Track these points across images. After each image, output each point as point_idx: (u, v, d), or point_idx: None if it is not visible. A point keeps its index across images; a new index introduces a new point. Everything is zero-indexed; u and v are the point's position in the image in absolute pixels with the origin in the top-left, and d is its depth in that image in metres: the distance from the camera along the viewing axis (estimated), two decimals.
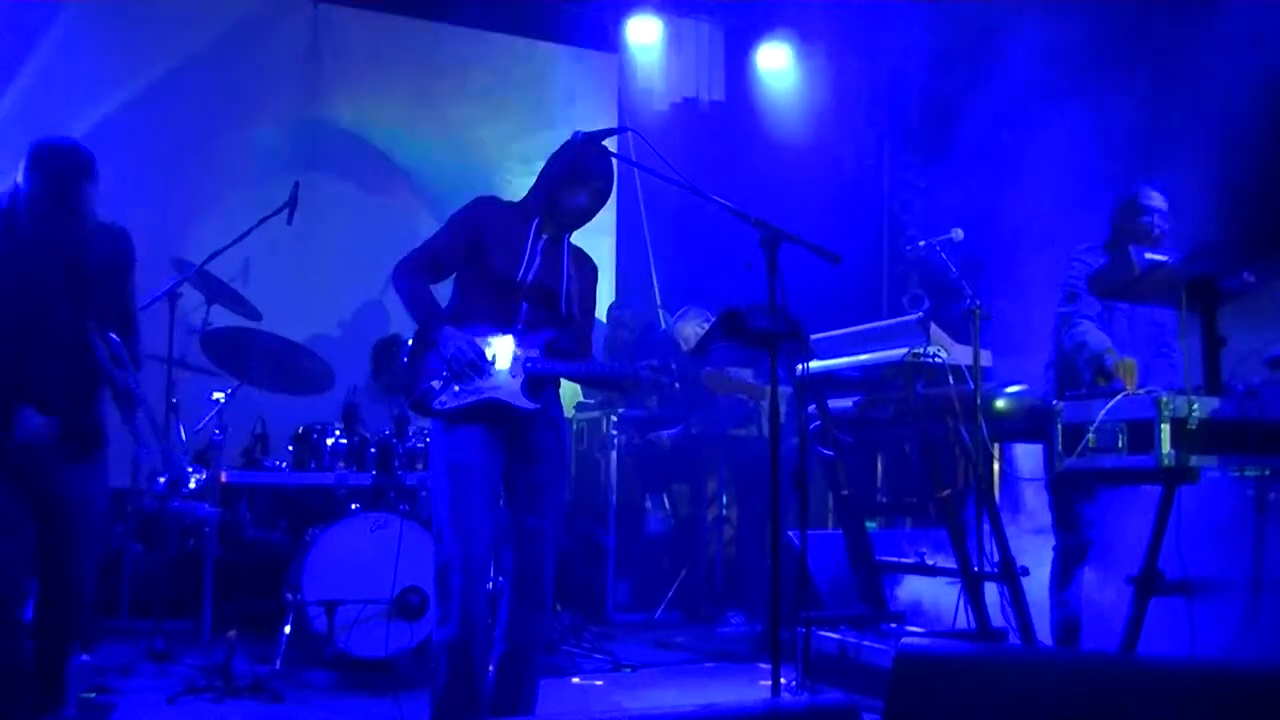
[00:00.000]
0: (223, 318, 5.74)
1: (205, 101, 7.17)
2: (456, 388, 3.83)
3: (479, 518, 3.79)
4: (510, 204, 4.08)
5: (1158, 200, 4.69)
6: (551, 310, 3.97)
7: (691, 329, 6.77)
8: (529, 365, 3.87)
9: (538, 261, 3.94)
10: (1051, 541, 4.77)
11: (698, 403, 7.13)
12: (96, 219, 3.74)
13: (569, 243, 4.05)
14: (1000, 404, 4.59)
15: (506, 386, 3.85)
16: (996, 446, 4.83)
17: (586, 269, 4.13)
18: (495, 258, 3.91)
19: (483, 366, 3.83)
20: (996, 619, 4.56)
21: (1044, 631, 4.66)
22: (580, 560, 7.06)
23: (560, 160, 3.95)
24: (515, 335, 3.90)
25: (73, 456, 3.67)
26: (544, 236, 3.97)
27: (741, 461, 7.08)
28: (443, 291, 4.03)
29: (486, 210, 4.04)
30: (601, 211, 4.06)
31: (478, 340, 3.85)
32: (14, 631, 3.62)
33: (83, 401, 3.70)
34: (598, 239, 8.24)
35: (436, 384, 3.83)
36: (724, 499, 7.33)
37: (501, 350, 3.88)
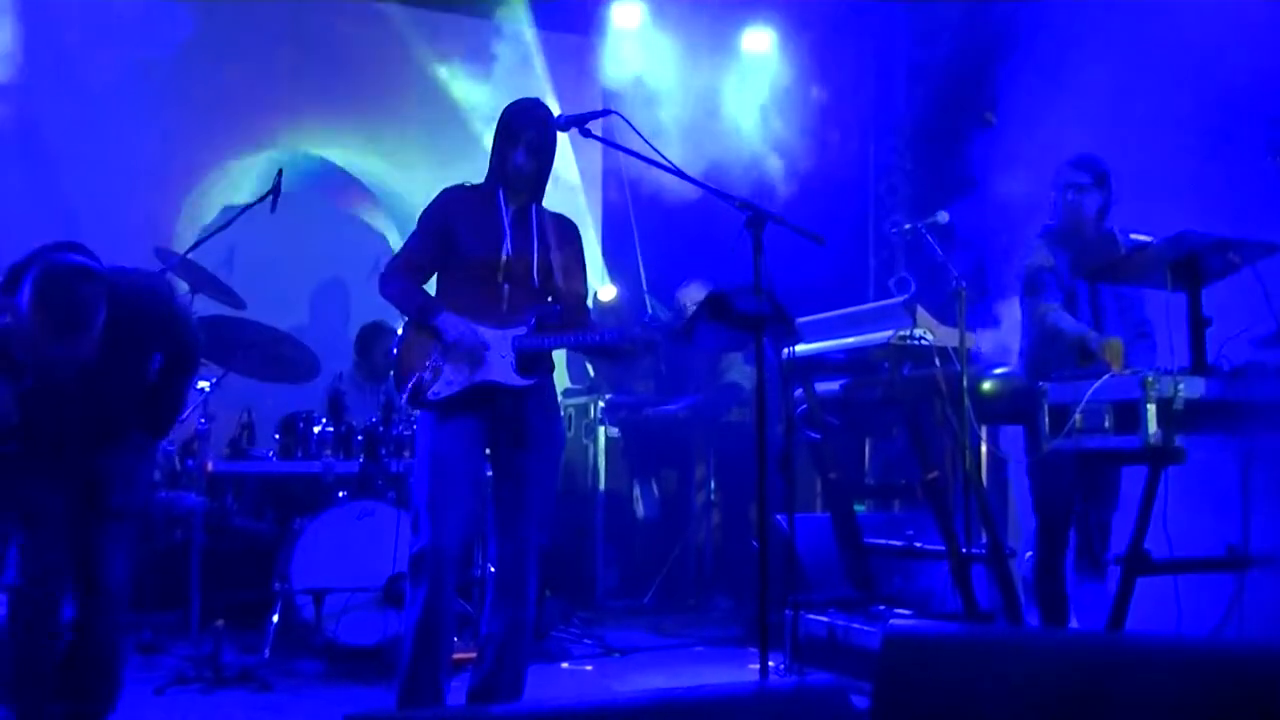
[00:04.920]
0: (207, 307, 5.71)
1: (188, 90, 7.13)
2: (448, 376, 3.81)
3: (455, 509, 3.80)
4: (474, 186, 4.06)
5: (1080, 176, 4.67)
6: (540, 285, 3.96)
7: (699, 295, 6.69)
8: (517, 341, 3.85)
9: (512, 235, 3.93)
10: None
11: (699, 385, 7.12)
12: (125, 282, 3.51)
13: (539, 210, 4.04)
14: (987, 386, 4.60)
15: (497, 366, 3.83)
16: (984, 428, 4.83)
17: (566, 232, 4.09)
18: (468, 243, 3.92)
19: (483, 355, 3.82)
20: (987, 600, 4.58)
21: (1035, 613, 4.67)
22: (569, 546, 7.06)
23: (496, 126, 3.99)
24: (501, 317, 3.88)
25: (102, 439, 3.57)
26: (512, 207, 3.97)
27: (726, 445, 7.08)
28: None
29: (451, 199, 4.03)
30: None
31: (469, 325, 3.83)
32: (52, 627, 3.54)
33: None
34: (581, 223, 8.25)
35: (428, 375, 3.82)
36: (712, 484, 7.33)
37: (491, 334, 3.86)
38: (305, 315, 7.46)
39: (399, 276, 3.99)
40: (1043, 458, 4.26)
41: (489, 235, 3.92)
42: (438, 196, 4.07)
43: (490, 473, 4.02)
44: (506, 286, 3.90)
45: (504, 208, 3.97)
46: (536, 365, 3.91)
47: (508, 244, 3.91)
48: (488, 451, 3.97)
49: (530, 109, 4.00)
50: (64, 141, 6.49)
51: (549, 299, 3.99)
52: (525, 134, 3.93)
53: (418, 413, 4.03)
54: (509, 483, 3.91)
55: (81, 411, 3.51)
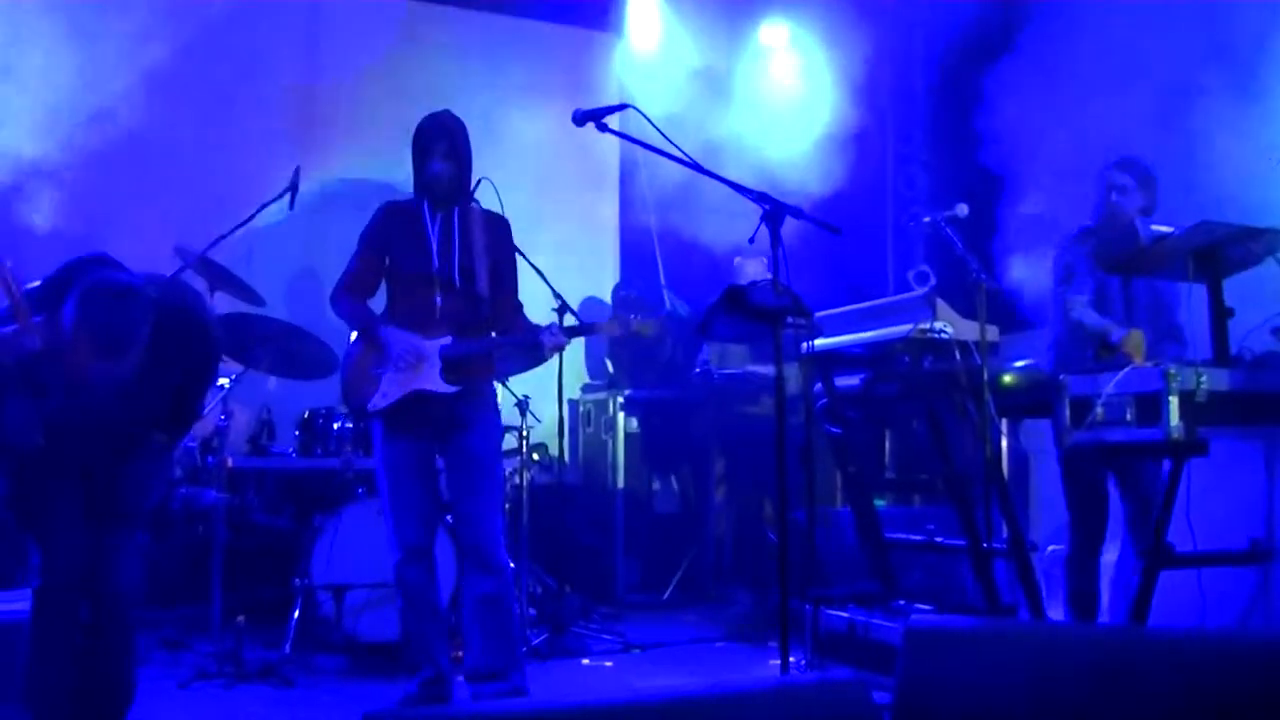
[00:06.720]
0: (226, 304, 5.73)
1: (206, 87, 7.13)
2: (385, 388, 4.22)
3: (412, 506, 4.28)
4: (407, 200, 4.40)
5: (1123, 179, 4.64)
6: (464, 289, 4.25)
7: (754, 266, 6.65)
8: (442, 350, 4.21)
9: (438, 245, 4.25)
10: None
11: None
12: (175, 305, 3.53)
13: (462, 213, 4.31)
14: (1008, 379, 4.57)
15: (427, 375, 4.21)
16: (1004, 422, 4.80)
17: (494, 231, 4.38)
18: (402, 259, 4.29)
19: (421, 365, 4.19)
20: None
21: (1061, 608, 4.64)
22: (589, 542, 7.05)
23: (411, 144, 4.32)
24: (434, 327, 4.22)
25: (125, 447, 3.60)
26: (438, 215, 4.28)
27: (747, 439, 7.05)
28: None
29: (386, 216, 4.39)
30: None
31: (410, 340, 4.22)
32: (72, 629, 3.55)
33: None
34: (599, 218, 8.26)
35: (368, 387, 4.25)
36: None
37: (424, 344, 4.22)
38: (324, 311, 7.45)
39: (345, 295, 4.36)
40: (1070, 451, 4.23)
41: (418, 250, 4.27)
42: (375, 214, 4.42)
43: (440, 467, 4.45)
44: (439, 298, 4.25)
45: (429, 219, 4.30)
46: (464, 370, 4.23)
47: (435, 257, 4.24)
48: (439, 456, 4.40)
49: (437, 119, 4.33)
50: (76, 138, 6.50)
51: (481, 301, 4.28)
52: (436, 144, 4.26)
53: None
54: (458, 469, 4.30)
55: (109, 424, 3.52)
